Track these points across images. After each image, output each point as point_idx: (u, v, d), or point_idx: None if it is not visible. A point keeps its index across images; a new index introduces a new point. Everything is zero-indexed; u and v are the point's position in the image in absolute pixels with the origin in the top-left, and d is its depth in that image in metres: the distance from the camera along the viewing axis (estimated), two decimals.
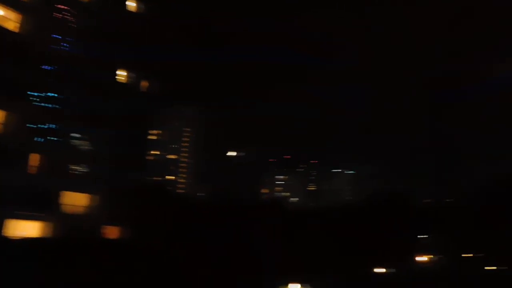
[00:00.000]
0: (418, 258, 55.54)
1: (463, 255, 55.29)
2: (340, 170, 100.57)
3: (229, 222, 54.35)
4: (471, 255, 54.30)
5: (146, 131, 60.93)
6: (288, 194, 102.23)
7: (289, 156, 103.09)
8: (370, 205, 73.12)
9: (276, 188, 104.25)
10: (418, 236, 59.74)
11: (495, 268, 50.58)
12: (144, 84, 53.84)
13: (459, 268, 51.75)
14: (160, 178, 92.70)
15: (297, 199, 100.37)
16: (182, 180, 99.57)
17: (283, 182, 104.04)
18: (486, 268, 51.60)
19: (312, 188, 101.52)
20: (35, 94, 41.95)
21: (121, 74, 51.25)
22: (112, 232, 46.69)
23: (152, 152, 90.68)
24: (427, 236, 59.36)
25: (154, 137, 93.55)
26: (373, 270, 50.42)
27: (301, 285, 41.36)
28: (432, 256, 55.55)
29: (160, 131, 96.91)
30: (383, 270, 49.67)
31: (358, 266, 48.65)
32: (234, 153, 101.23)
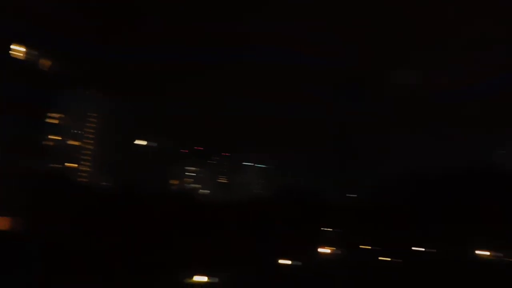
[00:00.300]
0: (321, 250, 57.88)
1: (361, 246, 58.74)
2: (251, 164, 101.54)
3: (134, 213, 52.16)
4: (369, 247, 57.96)
5: (45, 114, 55.87)
6: (199, 186, 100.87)
7: (201, 148, 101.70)
8: (278, 199, 75.08)
9: (187, 179, 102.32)
10: (322, 229, 62.30)
11: (389, 259, 54.34)
12: (45, 63, 49.21)
13: (357, 259, 54.80)
14: (60, 165, 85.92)
15: (208, 191, 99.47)
16: (85, 168, 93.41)
17: (194, 174, 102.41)
18: (380, 258, 55.29)
19: (223, 180, 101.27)
20: None
21: (19, 50, 46.17)
22: (0, 222, 42.16)
23: (51, 137, 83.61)
24: (331, 229, 62.12)
25: (55, 121, 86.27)
26: (279, 261, 51.39)
27: (208, 278, 40.72)
28: (334, 248, 58.23)
29: (62, 115, 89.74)
30: (289, 261, 50.86)
31: (265, 258, 49.23)
32: (144, 142, 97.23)
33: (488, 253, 55.38)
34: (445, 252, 55.00)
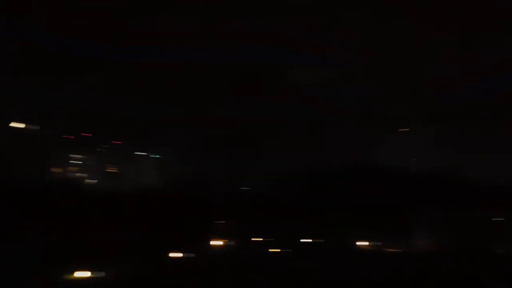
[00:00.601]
0: (214, 243, 57.59)
1: (253, 239, 59.83)
2: (145, 154, 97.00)
3: (5, 204, 47.00)
4: (261, 239, 59.27)
5: None
6: (84, 175, 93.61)
7: (89, 134, 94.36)
8: (171, 191, 73.22)
9: (71, 167, 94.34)
10: (216, 222, 62.10)
11: (279, 250, 56.16)
12: None
13: (248, 251, 55.71)
14: None
15: (95, 181, 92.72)
16: None
17: (80, 162, 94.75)
18: (270, 250, 56.95)
19: (113, 170, 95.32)
20: None
21: None
22: None
23: None
24: (224, 222, 62.18)
25: None
26: (169, 255, 49.93)
27: (92, 273, 37.65)
28: (226, 240, 58.35)
29: None
30: (180, 254, 49.63)
31: (155, 251, 47.43)
32: (21, 125, 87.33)
33: (367, 243, 60.31)
34: (330, 243, 58.65)
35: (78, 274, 37.12)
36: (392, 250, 57.84)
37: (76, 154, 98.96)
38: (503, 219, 59.05)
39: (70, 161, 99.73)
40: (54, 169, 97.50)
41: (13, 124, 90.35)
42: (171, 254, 50.75)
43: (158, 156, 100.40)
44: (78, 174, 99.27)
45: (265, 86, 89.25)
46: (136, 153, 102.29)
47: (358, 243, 60.44)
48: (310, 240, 60.42)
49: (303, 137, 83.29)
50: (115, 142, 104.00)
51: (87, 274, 37.29)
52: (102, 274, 37.09)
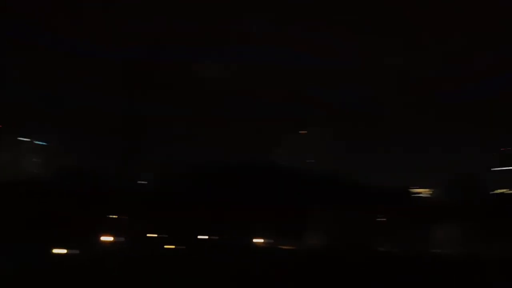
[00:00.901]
0: (103, 238, 54.26)
1: (147, 235, 57.93)
2: (29, 140, 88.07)
3: None
4: (156, 235, 57.53)
5: None
6: None
7: None
8: (58, 181, 68.30)
9: None
10: (108, 216, 58.93)
11: (173, 247, 54.96)
12: None
13: (141, 248, 53.61)
14: None
15: None
16: None
17: None
18: (165, 247, 55.49)
19: None
20: None
21: None
22: None
23: None
24: (116, 216, 59.22)
25: None
26: (52, 251, 45.79)
27: None
28: (118, 236, 55.42)
29: None
30: (64, 251, 45.73)
31: (36, 247, 43.01)
32: None
33: (262, 240, 61.74)
34: (225, 240, 58.85)
35: None
36: (285, 247, 59.69)
37: None
38: (385, 219, 64.45)
39: None
40: None
41: None
42: (54, 251, 46.55)
43: (44, 143, 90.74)
44: None
45: (168, 81, 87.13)
46: (19, 138, 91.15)
47: (253, 240, 61.47)
48: (206, 237, 60.04)
49: (205, 133, 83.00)
50: None
51: None
52: None
